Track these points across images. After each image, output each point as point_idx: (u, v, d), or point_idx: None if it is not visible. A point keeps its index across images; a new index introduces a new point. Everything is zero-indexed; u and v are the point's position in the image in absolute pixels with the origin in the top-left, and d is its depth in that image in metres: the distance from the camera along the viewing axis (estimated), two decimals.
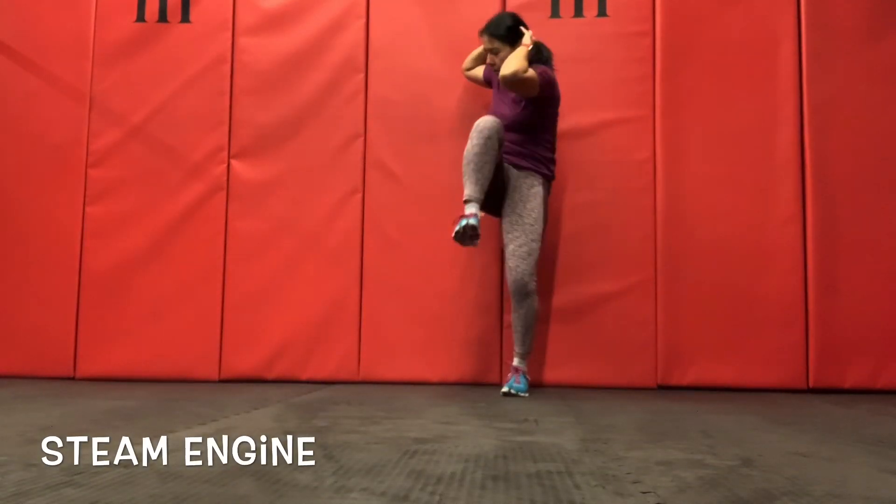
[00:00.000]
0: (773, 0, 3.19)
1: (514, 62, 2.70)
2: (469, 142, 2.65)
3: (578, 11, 3.26)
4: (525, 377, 2.77)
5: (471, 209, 2.59)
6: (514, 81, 2.71)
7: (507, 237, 2.79)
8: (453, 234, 2.57)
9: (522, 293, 2.74)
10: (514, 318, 2.81)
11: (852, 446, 1.65)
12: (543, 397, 2.69)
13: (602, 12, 3.25)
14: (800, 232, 3.09)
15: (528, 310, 2.76)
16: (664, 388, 3.06)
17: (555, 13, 3.27)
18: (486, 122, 2.65)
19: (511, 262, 2.75)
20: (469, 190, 2.62)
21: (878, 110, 3.12)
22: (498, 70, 2.86)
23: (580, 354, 3.11)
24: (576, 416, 2.13)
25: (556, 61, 3.01)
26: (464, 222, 2.54)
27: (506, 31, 2.88)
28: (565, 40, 3.23)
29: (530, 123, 2.85)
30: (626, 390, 2.98)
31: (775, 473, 1.30)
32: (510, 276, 2.75)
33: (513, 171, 2.83)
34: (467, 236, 2.56)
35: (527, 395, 2.70)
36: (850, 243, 3.07)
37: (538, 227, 2.78)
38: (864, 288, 3.04)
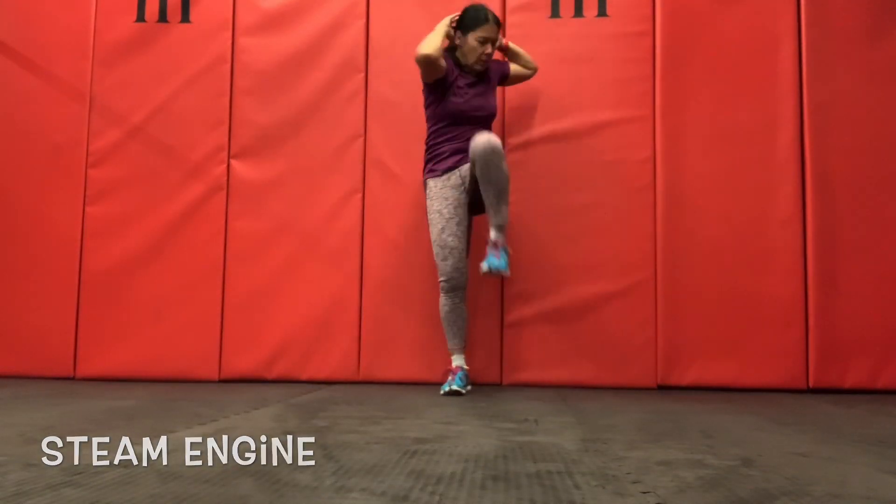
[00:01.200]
0: (773, 0, 3.19)
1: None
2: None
3: (578, 11, 3.26)
4: (506, 251, 2.68)
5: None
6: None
7: (482, 186, 2.70)
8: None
9: (493, 149, 2.57)
10: (485, 189, 2.64)
11: (852, 446, 1.65)
12: (543, 397, 2.69)
13: (602, 12, 3.25)
14: (800, 232, 3.09)
15: (498, 172, 2.60)
16: (664, 388, 3.06)
17: (555, 13, 3.27)
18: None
19: (481, 134, 2.63)
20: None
21: (878, 110, 3.12)
22: (486, 62, 2.86)
23: (581, 354, 3.11)
24: (576, 416, 2.12)
25: (557, 61, 3.07)
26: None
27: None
28: (565, 40, 3.23)
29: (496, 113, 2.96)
30: (626, 390, 2.98)
31: (775, 473, 1.30)
32: (479, 137, 2.60)
33: (464, 169, 2.83)
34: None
35: (508, 273, 2.67)
36: (850, 243, 3.07)
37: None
38: (864, 288, 3.04)
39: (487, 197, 2.67)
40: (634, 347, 3.10)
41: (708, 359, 3.06)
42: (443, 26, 2.84)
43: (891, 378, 3.00)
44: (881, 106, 3.12)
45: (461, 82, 2.87)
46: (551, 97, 3.22)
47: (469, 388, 2.80)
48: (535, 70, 3.10)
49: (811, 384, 3.02)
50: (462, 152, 2.82)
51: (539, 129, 3.22)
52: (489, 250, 2.70)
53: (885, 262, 3.06)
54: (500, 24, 2.90)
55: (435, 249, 2.80)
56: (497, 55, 3.08)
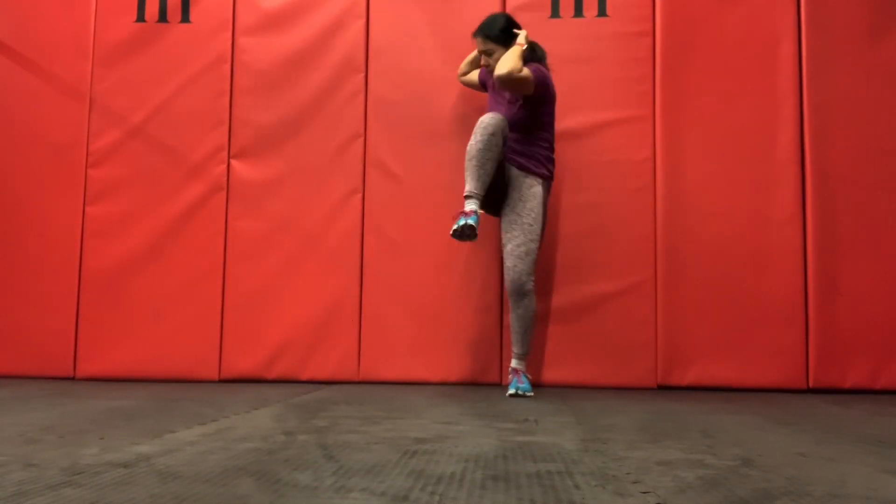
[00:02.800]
0: (773, 0, 3.19)
1: (508, 62, 2.71)
2: (473, 137, 2.66)
3: (578, 11, 3.26)
4: (527, 377, 2.78)
5: (471, 205, 2.62)
6: (509, 81, 2.71)
7: (505, 236, 2.79)
8: (451, 231, 2.58)
9: (520, 293, 2.75)
10: (512, 319, 2.81)
11: (852, 446, 1.65)
12: (543, 397, 2.69)
13: (602, 12, 3.25)
14: (800, 232, 3.09)
15: (525, 310, 2.77)
16: (664, 388, 3.06)
17: (555, 13, 3.27)
18: (490, 118, 2.67)
19: (509, 261, 2.75)
20: (470, 185, 2.64)
21: (878, 110, 3.12)
22: (493, 71, 2.85)
23: (580, 354, 3.11)
24: (576, 416, 2.12)
25: (557, 61, 3.01)
26: (462, 221, 2.56)
27: (499, 31, 2.88)
28: (565, 40, 3.23)
29: (527, 123, 2.84)
30: (626, 390, 2.99)
31: (775, 473, 1.30)
32: (508, 276, 2.76)
33: (513, 171, 2.82)
34: (465, 235, 2.58)
35: (532, 394, 2.71)
36: (850, 243, 3.07)
37: (536, 227, 2.77)
38: (864, 288, 3.05)
39: (514, 328, 2.80)
40: (634, 347, 3.10)
41: (708, 359, 3.06)
42: (520, 44, 2.83)
43: (891, 378, 3.00)
44: (881, 106, 3.12)
45: (492, 90, 3.00)
46: None
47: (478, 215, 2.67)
48: (496, 77, 2.74)
49: (811, 384, 3.02)
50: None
51: None
52: (513, 376, 2.78)
53: (885, 262, 3.06)
54: (487, 35, 2.88)
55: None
56: (551, 59, 3.04)
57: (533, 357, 3.09)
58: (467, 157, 2.66)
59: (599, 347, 3.11)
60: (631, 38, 3.23)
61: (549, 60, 2.99)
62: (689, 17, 3.21)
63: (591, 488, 1.16)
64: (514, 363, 2.81)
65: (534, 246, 2.76)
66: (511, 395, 2.69)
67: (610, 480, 1.22)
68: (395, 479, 1.20)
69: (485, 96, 3.11)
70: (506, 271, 2.77)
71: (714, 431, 1.85)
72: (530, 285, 2.75)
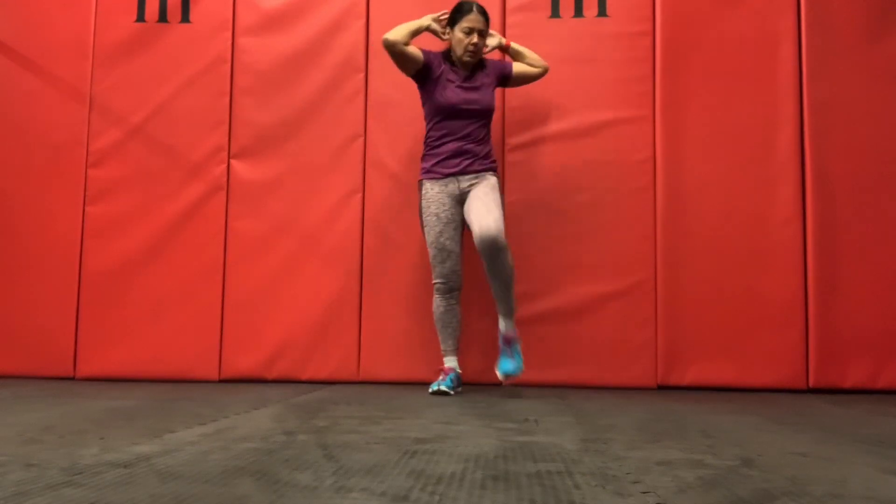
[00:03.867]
0: (773, 0, 3.19)
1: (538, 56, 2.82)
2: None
3: (578, 11, 3.26)
4: (518, 347, 2.74)
5: (449, 363, 2.84)
6: (545, 73, 2.83)
7: (472, 219, 2.71)
8: (430, 391, 2.75)
9: (495, 248, 2.62)
10: (492, 281, 2.70)
11: (852, 446, 1.65)
12: (543, 397, 2.69)
13: (602, 12, 3.25)
14: (800, 232, 3.09)
15: (503, 264, 2.65)
16: (664, 388, 3.06)
17: (555, 13, 3.27)
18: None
19: (478, 229, 2.64)
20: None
21: (878, 110, 3.12)
22: (474, 53, 2.82)
23: (581, 354, 3.11)
24: (576, 416, 2.12)
25: (557, 61, 3.08)
26: (435, 386, 2.73)
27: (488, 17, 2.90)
28: (565, 40, 3.23)
29: (493, 110, 2.90)
30: (626, 390, 2.99)
31: (775, 473, 1.30)
32: (480, 242, 2.63)
33: (465, 182, 2.81)
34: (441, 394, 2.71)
35: (522, 371, 2.73)
36: (850, 243, 3.07)
37: (497, 198, 2.76)
38: (864, 288, 3.05)
39: (494, 287, 2.74)
40: (634, 347, 3.10)
41: (708, 359, 3.06)
42: (419, 21, 2.86)
43: (891, 378, 3.00)
44: (881, 106, 3.12)
45: (451, 76, 2.85)
46: (551, 97, 3.21)
47: (460, 389, 2.80)
48: (544, 68, 3.00)
49: (811, 384, 3.02)
50: (461, 156, 2.81)
51: (539, 130, 3.22)
52: (502, 348, 2.77)
53: (885, 262, 3.06)
54: (486, 15, 2.86)
55: (431, 252, 2.80)
56: (497, 55, 3.07)
57: (533, 357, 3.09)
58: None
59: (599, 347, 3.11)
60: (631, 38, 3.23)
61: (549, 60, 3.01)
62: (689, 17, 3.21)
63: (591, 488, 1.16)
64: (504, 326, 2.73)
65: (500, 213, 2.70)
66: (503, 378, 2.71)
67: (610, 480, 1.22)
68: (395, 479, 1.20)
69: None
70: (477, 241, 2.65)
71: (714, 431, 1.85)
72: (504, 240, 2.65)
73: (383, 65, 3.30)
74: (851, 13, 3.16)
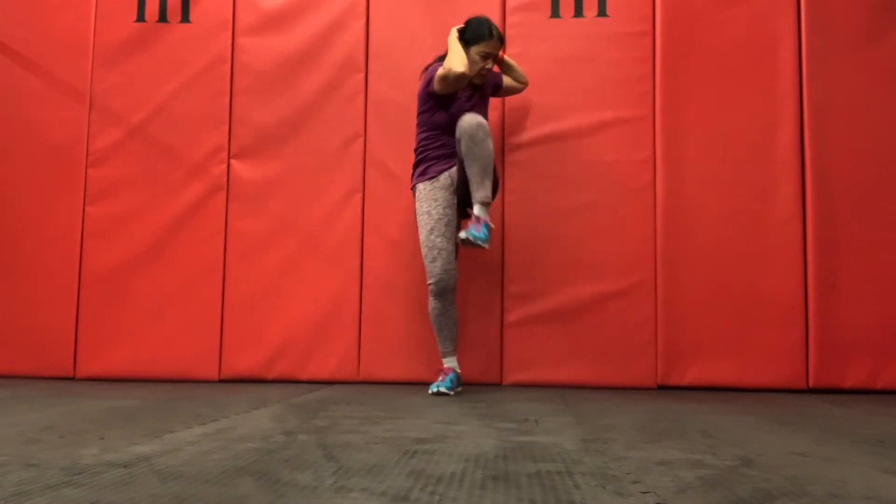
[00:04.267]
0: (773, 0, 3.19)
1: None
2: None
3: (578, 11, 3.26)
4: (488, 226, 2.60)
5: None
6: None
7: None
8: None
9: (475, 138, 2.57)
10: (468, 165, 2.61)
11: (852, 446, 1.65)
12: (543, 397, 2.69)
13: (602, 12, 3.25)
14: (800, 232, 3.09)
15: (482, 148, 2.58)
16: (664, 388, 3.06)
17: (555, 13, 3.27)
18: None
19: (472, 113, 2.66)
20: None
21: (878, 110, 3.12)
22: (485, 76, 2.86)
23: (580, 354, 3.11)
24: (576, 416, 2.12)
25: (557, 61, 3.10)
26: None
27: None
28: (565, 40, 3.23)
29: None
30: (626, 390, 2.99)
31: (775, 473, 1.30)
32: (469, 115, 2.63)
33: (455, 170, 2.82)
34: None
35: (486, 245, 2.59)
36: (850, 243, 3.07)
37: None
38: (864, 288, 3.05)
39: (471, 173, 2.61)
40: (634, 347, 3.10)
41: (708, 359, 3.06)
42: (455, 41, 2.80)
43: (891, 378, 3.00)
44: (881, 106, 3.12)
45: (461, 94, 2.86)
46: (551, 97, 3.22)
47: (459, 389, 2.79)
48: (525, 84, 3.10)
49: (811, 384, 3.02)
50: (451, 158, 2.81)
51: (539, 130, 3.22)
52: (470, 224, 2.62)
53: (885, 262, 3.06)
54: (503, 40, 2.89)
55: (423, 251, 2.78)
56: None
57: (533, 357, 3.10)
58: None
59: (599, 347, 3.10)
60: (631, 38, 3.23)
61: (549, 60, 3.01)
62: (689, 17, 3.21)
63: (591, 488, 1.16)
64: (476, 209, 2.61)
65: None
66: (462, 241, 2.59)
67: (610, 480, 1.22)
68: (395, 479, 1.20)
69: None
70: (465, 119, 2.61)
71: (714, 431, 1.85)
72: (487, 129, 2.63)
73: (383, 65, 3.31)
74: (851, 13, 3.16)
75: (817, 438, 1.77)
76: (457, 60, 2.71)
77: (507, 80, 3.08)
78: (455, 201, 2.82)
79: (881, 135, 3.11)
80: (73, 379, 3.23)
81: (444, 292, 2.77)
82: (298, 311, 3.21)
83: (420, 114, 2.90)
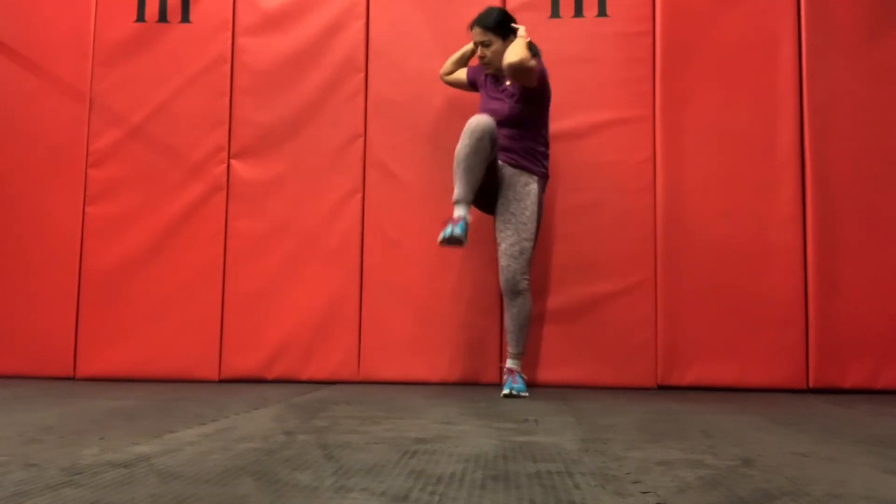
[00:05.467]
0: (773, 0, 3.19)
1: (518, 50, 2.67)
2: (461, 141, 2.63)
3: (578, 11, 3.26)
4: (521, 377, 2.77)
5: (459, 211, 2.61)
6: (520, 69, 2.67)
7: (499, 235, 2.79)
8: (439, 239, 2.59)
9: (514, 292, 2.74)
10: (507, 318, 2.81)
11: (852, 446, 1.65)
12: (543, 397, 2.69)
13: (602, 12, 3.25)
14: (800, 232, 3.09)
15: (520, 309, 2.76)
16: (664, 389, 3.06)
17: (555, 13, 3.27)
18: (478, 121, 2.63)
19: (503, 260, 2.75)
20: (458, 191, 2.63)
21: (878, 110, 3.12)
22: (488, 64, 2.87)
23: (580, 354, 3.11)
24: (576, 416, 2.12)
25: (557, 61, 3.03)
26: (449, 231, 2.56)
27: (497, 23, 2.85)
28: (565, 40, 3.23)
29: (524, 118, 2.83)
30: (626, 390, 2.98)
31: (775, 473, 1.30)
32: (502, 275, 2.76)
33: (507, 170, 2.81)
34: (452, 243, 2.58)
35: (527, 394, 2.70)
36: (850, 243, 3.07)
37: (531, 226, 2.77)
38: (864, 288, 3.05)
39: (509, 327, 2.79)
40: (634, 347, 3.10)
41: (708, 359, 3.06)
42: (464, 47, 3.09)
43: (891, 378, 3.00)
44: (881, 106, 3.12)
45: (487, 86, 2.96)
46: (551, 97, 3.21)
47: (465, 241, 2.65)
48: (506, 65, 2.70)
49: (811, 384, 3.02)
50: (499, 150, 2.81)
51: None
52: (507, 376, 2.75)
53: (885, 262, 3.06)
54: (487, 25, 2.85)
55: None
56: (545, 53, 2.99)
57: (533, 357, 3.09)
58: (455, 161, 2.64)
59: (599, 347, 3.10)
60: (631, 38, 3.23)
61: (549, 60, 2.98)
62: (689, 17, 3.21)
63: (591, 488, 1.16)
64: (509, 363, 2.79)
65: (528, 245, 2.76)
66: (505, 396, 2.68)
67: (610, 480, 1.22)
68: (395, 479, 1.20)
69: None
70: (500, 270, 2.77)
71: (714, 431, 1.85)
72: (524, 284, 2.75)
73: (383, 65, 3.31)
74: (851, 13, 3.16)
75: (817, 438, 1.77)
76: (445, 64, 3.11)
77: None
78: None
79: (881, 135, 3.11)
80: (73, 379, 3.23)
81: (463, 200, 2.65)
82: (298, 311, 3.21)
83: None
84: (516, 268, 2.73)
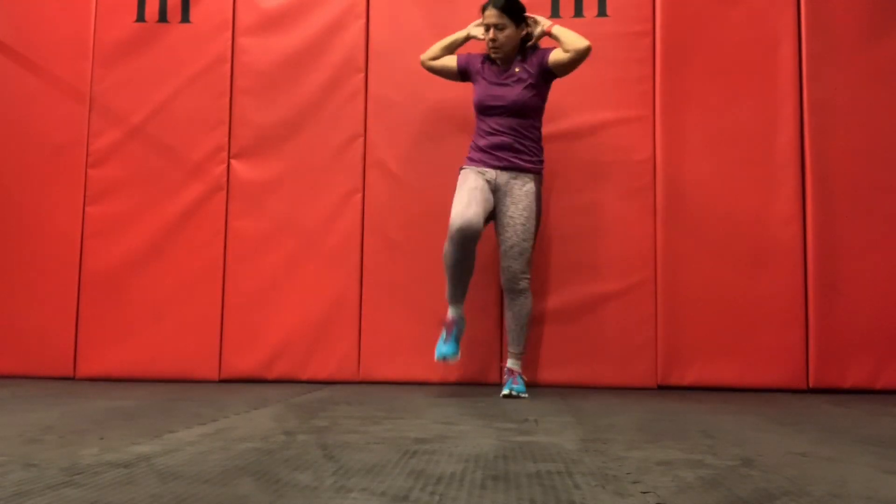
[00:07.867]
0: (773, 0, 3.19)
1: (580, 36, 2.72)
2: (448, 245, 2.67)
3: (578, 11, 3.26)
4: (522, 378, 2.77)
5: (452, 313, 2.77)
6: (587, 54, 2.73)
7: (499, 238, 2.80)
8: (435, 358, 2.73)
9: (514, 291, 2.75)
10: (507, 317, 2.82)
11: (852, 446, 1.65)
12: (543, 397, 2.69)
13: (602, 12, 3.25)
14: (800, 232, 3.09)
15: (521, 307, 2.77)
16: (664, 388, 3.06)
17: (555, 13, 3.27)
18: (461, 225, 2.61)
19: (503, 261, 2.76)
20: (451, 292, 2.76)
21: (878, 110, 3.12)
22: (497, 48, 2.79)
23: (580, 354, 3.11)
24: (576, 416, 2.12)
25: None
26: (441, 353, 2.71)
27: (512, 7, 2.78)
28: None
29: (530, 107, 2.80)
30: (626, 390, 2.98)
31: (775, 473, 1.30)
32: (503, 275, 2.77)
33: (502, 177, 2.77)
34: (446, 361, 2.73)
35: (527, 395, 2.70)
36: (850, 243, 3.07)
37: (530, 226, 2.76)
38: (864, 288, 3.04)
39: (509, 326, 2.81)
40: (634, 347, 3.10)
41: (708, 359, 3.06)
42: (457, 33, 2.96)
43: (891, 378, 3.00)
44: (881, 106, 3.12)
45: (487, 73, 2.86)
46: (551, 97, 3.20)
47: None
48: (577, 51, 2.71)
49: (811, 384, 3.02)
50: (490, 151, 2.78)
51: None
52: (507, 377, 2.77)
53: (885, 262, 3.06)
54: (504, 7, 2.77)
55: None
56: (546, 41, 2.90)
57: (533, 357, 3.09)
58: (444, 264, 2.71)
59: (599, 347, 3.10)
60: (631, 38, 3.23)
61: None
62: (689, 17, 3.21)
63: (591, 488, 1.16)
64: (509, 363, 2.79)
65: (527, 245, 2.76)
66: (505, 396, 2.67)
67: (610, 480, 1.22)
68: (395, 479, 1.20)
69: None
70: (501, 270, 2.78)
71: (714, 431, 1.85)
72: (525, 284, 2.76)
73: (383, 65, 3.31)
74: (851, 13, 3.16)
75: (817, 438, 1.77)
76: (428, 49, 2.98)
77: (554, 56, 2.77)
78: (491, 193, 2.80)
79: (881, 135, 3.11)
80: (73, 379, 3.23)
81: (465, 240, 2.67)
82: (298, 311, 3.21)
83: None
84: (517, 268, 2.74)
